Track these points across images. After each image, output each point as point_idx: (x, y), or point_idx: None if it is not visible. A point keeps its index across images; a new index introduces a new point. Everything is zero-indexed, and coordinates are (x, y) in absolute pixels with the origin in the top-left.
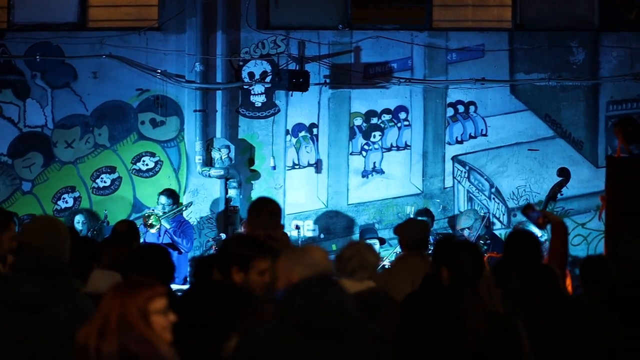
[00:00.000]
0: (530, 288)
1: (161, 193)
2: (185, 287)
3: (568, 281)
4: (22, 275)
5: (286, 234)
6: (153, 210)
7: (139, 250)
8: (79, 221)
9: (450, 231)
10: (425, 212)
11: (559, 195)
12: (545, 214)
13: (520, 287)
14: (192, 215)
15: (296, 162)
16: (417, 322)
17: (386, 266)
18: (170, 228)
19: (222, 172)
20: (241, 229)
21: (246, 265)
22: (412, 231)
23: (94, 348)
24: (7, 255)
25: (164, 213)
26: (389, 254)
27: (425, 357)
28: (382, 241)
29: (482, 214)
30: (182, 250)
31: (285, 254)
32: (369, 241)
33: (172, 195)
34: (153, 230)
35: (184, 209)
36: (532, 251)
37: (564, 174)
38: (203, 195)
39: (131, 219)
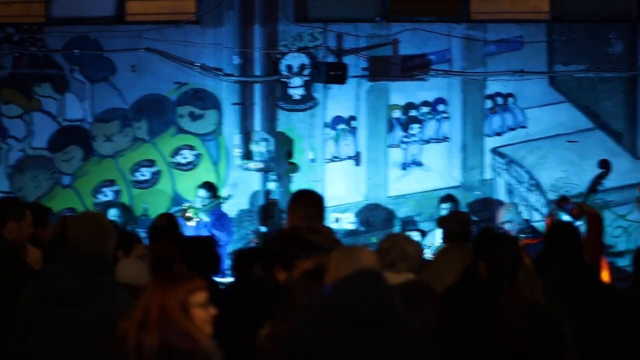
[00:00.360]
0: (568, 277)
1: (200, 186)
2: (225, 280)
3: (606, 272)
4: (61, 270)
5: (329, 227)
6: (192, 203)
7: (185, 242)
8: (112, 215)
9: (491, 224)
10: (449, 198)
11: (599, 187)
12: (580, 205)
13: (558, 276)
14: (231, 209)
15: (335, 154)
16: (456, 314)
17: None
18: (208, 221)
19: (261, 165)
20: (283, 222)
21: (289, 265)
22: (454, 223)
23: (134, 342)
24: (26, 243)
25: (203, 206)
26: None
27: (464, 350)
28: (423, 233)
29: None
30: (220, 244)
31: (337, 252)
32: (409, 233)
33: (211, 188)
34: (192, 224)
35: (222, 202)
36: (572, 241)
37: (605, 165)
38: (242, 188)
39: (170, 212)
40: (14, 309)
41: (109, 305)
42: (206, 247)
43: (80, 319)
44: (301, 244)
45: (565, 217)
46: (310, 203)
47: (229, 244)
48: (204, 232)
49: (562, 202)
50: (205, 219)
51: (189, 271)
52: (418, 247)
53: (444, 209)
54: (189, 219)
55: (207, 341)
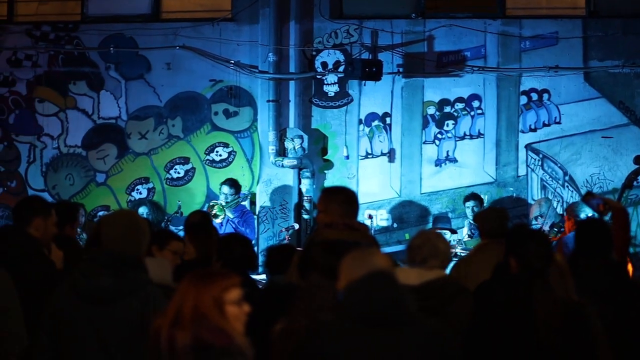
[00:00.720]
0: (599, 276)
1: (223, 183)
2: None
3: (629, 268)
4: (95, 268)
5: (364, 224)
6: (217, 200)
7: (221, 240)
8: (142, 213)
9: (525, 220)
10: (474, 197)
11: (634, 183)
12: (606, 200)
13: (589, 274)
14: (264, 205)
15: (369, 151)
16: (488, 311)
17: (460, 254)
18: (233, 217)
19: (295, 162)
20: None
21: (329, 274)
22: (490, 219)
23: (167, 338)
24: (51, 242)
25: (227, 203)
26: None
27: (496, 347)
28: (453, 231)
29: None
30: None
31: (350, 257)
32: (439, 231)
33: (234, 185)
34: (218, 220)
35: (244, 198)
36: (602, 239)
37: None
38: (276, 185)
39: (204, 209)
40: (47, 306)
41: (142, 303)
42: (242, 245)
43: (113, 317)
44: (343, 252)
45: (584, 214)
46: (343, 199)
47: (254, 240)
48: (229, 229)
49: (587, 198)
50: (230, 215)
51: (224, 268)
52: (448, 244)
53: (468, 207)
54: (215, 216)
55: (241, 338)
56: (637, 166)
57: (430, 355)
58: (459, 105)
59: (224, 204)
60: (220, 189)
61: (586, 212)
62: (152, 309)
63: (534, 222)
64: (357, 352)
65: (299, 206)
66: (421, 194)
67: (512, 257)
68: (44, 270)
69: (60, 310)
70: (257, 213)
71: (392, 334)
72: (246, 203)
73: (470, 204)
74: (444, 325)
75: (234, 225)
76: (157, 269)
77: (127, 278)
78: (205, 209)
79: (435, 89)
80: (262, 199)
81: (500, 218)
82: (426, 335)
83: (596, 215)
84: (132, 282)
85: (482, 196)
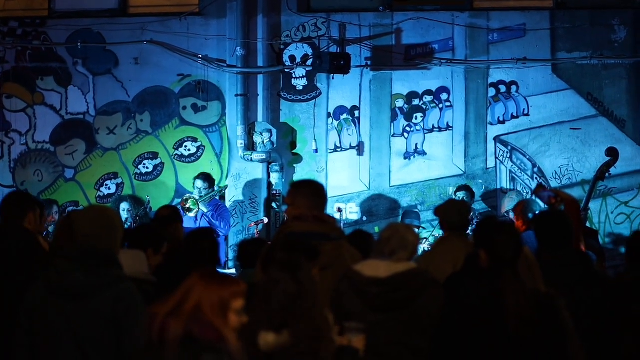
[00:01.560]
0: (565, 267)
1: (197, 177)
2: (227, 271)
3: None
4: (68, 263)
5: (333, 216)
6: (190, 194)
7: (188, 234)
8: (124, 209)
9: (494, 212)
10: (465, 188)
11: (606, 175)
12: (557, 192)
13: (554, 267)
14: (234, 199)
15: (338, 144)
16: (458, 303)
17: (426, 249)
18: (207, 212)
19: (264, 156)
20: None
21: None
22: (452, 212)
23: (160, 325)
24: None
25: (201, 197)
26: (428, 236)
27: (467, 339)
28: (421, 228)
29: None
30: (220, 233)
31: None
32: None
33: (207, 179)
34: (191, 214)
35: (218, 192)
36: (564, 231)
37: (613, 153)
38: (245, 179)
39: (173, 204)
40: (24, 303)
41: (115, 298)
42: (206, 239)
43: (86, 312)
44: (305, 251)
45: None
46: (311, 192)
47: (228, 234)
48: (204, 223)
49: (538, 190)
50: (204, 209)
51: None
52: (417, 236)
53: (459, 197)
54: (189, 210)
55: (234, 342)
56: (608, 158)
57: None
58: (428, 98)
59: (197, 198)
60: (193, 183)
61: (534, 211)
62: (126, 304)
63: (503, 214)
64: None
65: (268, 200)
66: (390, 187)
67: (481, 249)
68: (41, 259)
69: (36, 306)
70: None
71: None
72: (227, 197)
73: (461, 194)
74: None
75: (208, 220)
76: (131, 261)
77: (99, 274)
78: (175, 203)
79: (404, 82)
80: (232, 193)
81: (461, 211)
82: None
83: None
84: (104, 277)
85: (473, 189)
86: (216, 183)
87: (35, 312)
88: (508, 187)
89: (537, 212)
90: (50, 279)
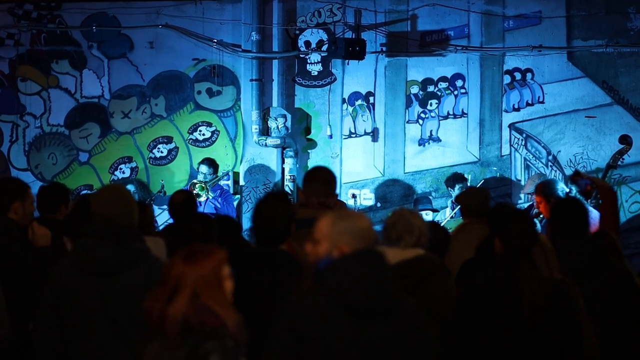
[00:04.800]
0: (580, 255)
1: (201, 162)
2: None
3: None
4: (95, 241)
5: (342, 202)
6: (197, 179)
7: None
8: (132, 194)
9: (508, 199)
10: (462, 178)
11: (619, 163)
12: (594, 180)
13: (569, 254)
14: (248, 184)
15: (352, 130)
16: (472, 291)
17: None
18: (212, 197)
19: (278, 142)
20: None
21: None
22: (472, 199)
23: (158, 312)
24: (32, 222)
25: (206, 182)
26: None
27: (482, 326)
28: (435, 210)
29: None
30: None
31: (331, 219)
32: (421, 212)
33: (212, 164)
34: (201, 199)
35: (222, 177)
36: (579, 219)
37: (626, 141)
38: (259, 164)
39: (187, 189)
40: (49, 282)
41: (145, 271)
42: (228, 224)
43: (118, 287)
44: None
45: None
46: (319, 178)
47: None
48: (209, 208)
49: (575, 178)
50: (210, 195)
51: (210, 244)
52: (424, 220)
53: (459, 189)
54: (198, 195)
55: (233, 320)
56: (621, 145)
57: (413, 335)
58: (443, 85)
59: (205, 183)
60: (198, 168)
61: (556, 190)
62: (158, 277)
63: (520, 200)
64: (336, 339)
65: (282, 185)
66: (405, 173)
67: (496, 238)
68: (29, 255)
69: (63, 284)
70: (240, 192)
71: (376, 324)
72: (230, 182)
73: (461, 185)
74: (419, 303)
75: (214, 205)
76: (153, 247)
77: (127, 248)
78: (187, 188)
79: (419, 68)
80: (246, 179)
81: (481, 197)
82: (408, 318)
83: (577, 195)
84: (133, 252)
85: (466, 176)
86: (231, 168)
87: (63, 291)
88: (522, 175)
89: (557, 191)
90: (78, 257)
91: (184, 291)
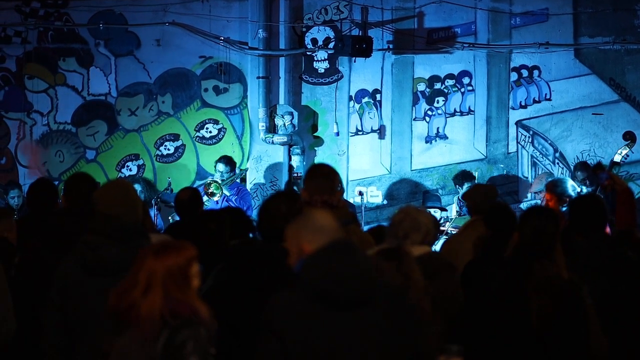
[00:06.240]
0: (597, 251)
1: (218, 160)
2: None
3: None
4: (101, 240)
5: (345, 200)
6: (213, 178)
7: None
8: (136, 190)
9: (515, 197)
10: (467, 175)
11: (623, 160)
12: (614, 177)
13: (587, 250)
14: (255, 182)
15: (359, 128)
16: (479, 289)
17: (450, 232)
18: (230, 195)
19: (285, 139)
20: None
21: None
22: (479, 196)
23: (131, 307)
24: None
25: (223, 180)
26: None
27: (488, 325)
28: (443, 209)
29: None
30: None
31: (290, 226)
32: (429, 209)
33: (229, 162)
34: (215, 198)
35: (241, 175)
36: (598, 215)
37: (630, 137)
38: (266, 162)
39: (194, 186)
40: (55, 282)
41: None
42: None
43: None
44: None
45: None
46: (319, 175)
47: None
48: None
49: (597, 170)
50: (227, 193)
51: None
52: (430, 217)
53: (467, 185)
54: (212, 194)
55: (204, 311)
56: (626, 142)
57: (400, 319)
58: (449, 82)
59: (220, 181)
60: (215, 166)
61: (565, 188)
62: None
63: (527, 198)
64: (315, 335)
65: (289, 183)
66: (411, 170)
67: (514, 235)
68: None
69: (69, 284)
70: (248, 190)
71: (357, 315)
72: (248, 180)
73: (469, 183)
74: (401, 286)
75: (228, 204)
76: None
77: (134, 246)
78: (196, 185)
79: (426, 66)
80: (252, 176)
81: (488, 195)
82: (393, 303)
83: (587, 189)
84: (138, 250)
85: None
86: (237, 166)
87: (69, 290)
88: (529, 172)
89: (566, 189)
90: (85, 256)
91: (156, 285)
